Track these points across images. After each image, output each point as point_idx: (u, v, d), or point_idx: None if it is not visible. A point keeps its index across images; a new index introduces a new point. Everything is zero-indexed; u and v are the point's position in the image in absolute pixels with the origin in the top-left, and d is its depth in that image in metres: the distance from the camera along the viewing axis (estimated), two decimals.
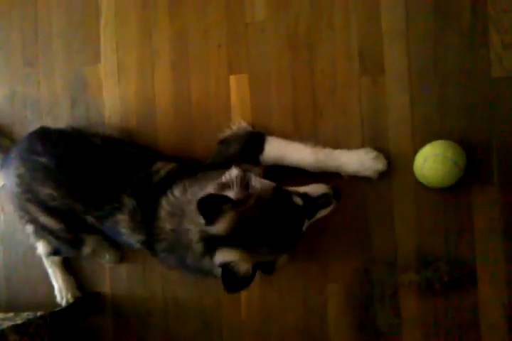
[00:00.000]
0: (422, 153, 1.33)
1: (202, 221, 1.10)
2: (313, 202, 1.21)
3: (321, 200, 1.22)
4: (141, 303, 1.70)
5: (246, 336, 1.59)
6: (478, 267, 1.37)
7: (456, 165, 1.28)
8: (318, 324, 1.52)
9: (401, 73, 1.42)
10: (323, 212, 1.24)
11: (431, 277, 1.41)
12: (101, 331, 1.75)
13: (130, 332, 1.72)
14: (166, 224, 1.28)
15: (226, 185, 1.16)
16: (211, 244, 1.14)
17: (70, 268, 1.78)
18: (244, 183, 1.17)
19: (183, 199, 1.27)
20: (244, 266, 1.09)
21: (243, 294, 1.58)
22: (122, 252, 1.71)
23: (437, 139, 1.34)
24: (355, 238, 1.47)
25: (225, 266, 1.09)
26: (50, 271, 1.76)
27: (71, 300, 1.72)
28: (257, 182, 1.20)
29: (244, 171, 1.23)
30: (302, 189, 1.23)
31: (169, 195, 1.30)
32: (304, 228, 1.22)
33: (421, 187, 1.38)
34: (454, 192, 1.36)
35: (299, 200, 1.19)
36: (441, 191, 1.37)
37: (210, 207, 1.09)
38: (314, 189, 1.23)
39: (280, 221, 1.14)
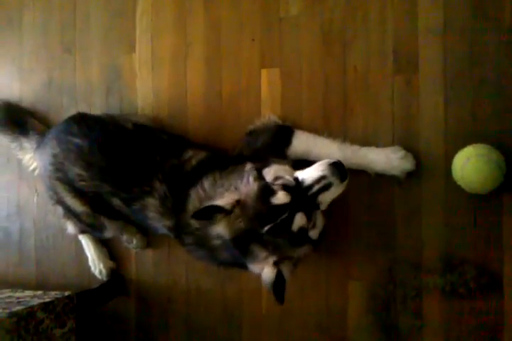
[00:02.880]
0: (464, 152, 1.28)
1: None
2: (304, 192, 1.15)
3: (319, 185, 1.15)
4: (165, 290, 1.74)
5: (265, 329, 1.61)
6: (505, 275, 1.34)
7: (500, 169, 1.23)
8: (338, 322, 1.52)
9: (436, 73, 1.40)
10: (327, 195, 1.17)
11: (456, 281, 1.39)
12: (124, 314, 1.80)
13: (152, 316, 1.76)
14: (193, 221, 1.31)
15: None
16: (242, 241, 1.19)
17: (102, 242, 1.83)
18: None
19: (211, 194, 1.30)
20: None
21: (264, 288, 1.58)
22: (149, 238, 1.74)
23: (470, 141, 1.32)
24: (381, 237, 1.46)
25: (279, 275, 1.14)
26: (83, 243, 1.82)
27: (104, 270, 1.77)
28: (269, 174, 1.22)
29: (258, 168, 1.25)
30: (300, 174, 1.19)
31: (199, 187, 1.33)
32: (318, 218, 1.21)
33: (452, 189, 1.36)
34: (485, 198, 1.33)
35: (282, 197, 1.14)
36: (471, 196, 1.34)
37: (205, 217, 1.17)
38: (309, 172, 1.18)
39: (273, 219, 1.14)
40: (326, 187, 1.15)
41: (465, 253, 1.38)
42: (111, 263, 1.80)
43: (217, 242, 1.25)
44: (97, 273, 1.79)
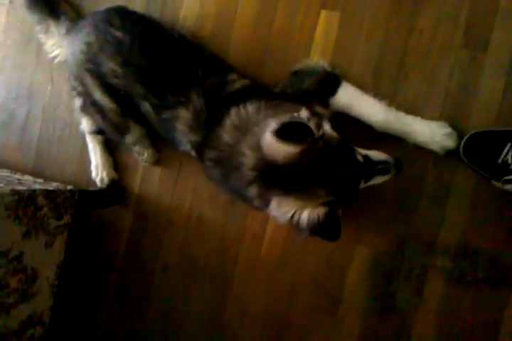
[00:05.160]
0: None
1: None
2: (372, 165, 1.20)
3: (381, 166, 1.22)
4: (165, 210, 1.73)
5: (259, 271, 1.62)
6: None
7: None
8: (335, 281, 1.53)
9: (503, 57, 1.35)
10: (379, 179, 1.23)
11: (466, 268, 1.41)
12: (119, 223, 1.78)
13: (147, 233, 1.76)
14: (226, 136, 1.27)
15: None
16: (265, 176, 1.16)
17: (110, 149, 1.78)
18: (318, 125, 1.16)
19: (253, 118, 1.25)
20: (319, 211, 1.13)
21: (269, 231, 1.60)
22: (161, 156, 1.71)
23: None
24: (401, 209, 1.46)
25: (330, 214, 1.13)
26: (90, 146, 1.77)
27: (105, 178, 1.74)
28: (328, 128, 1.19)
29: (316, 114, 1.21)
30: (363, 151, 1.22)
31: (241, 108, 1.28)
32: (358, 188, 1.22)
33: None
34: None
35: (360, 157, 1.19)
36: (503, 191, 1.33)
37: (293, 131, 1.09)
38: (376, 154, 1.23)
39: (339, 170, 1.14)
40: (385, 172, 1.22)
41: (482, 243, 1.39)
42: (114, 174, 1.76)
43: (243, 160, 1.20)
44: (98, 180, 1.75)
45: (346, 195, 1.18)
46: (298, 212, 1.14)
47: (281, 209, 1.16)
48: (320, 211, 1.12)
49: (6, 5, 1.93)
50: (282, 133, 1.08)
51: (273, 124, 1.10)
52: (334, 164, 1.14)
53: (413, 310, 1.46)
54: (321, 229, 1.13)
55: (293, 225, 1.15)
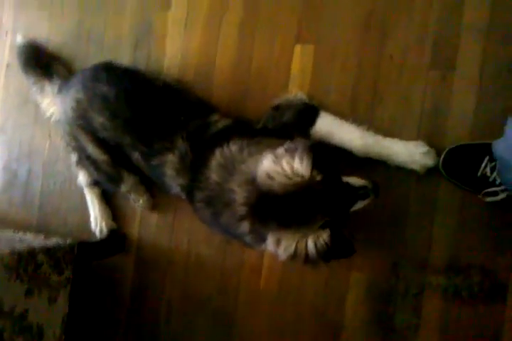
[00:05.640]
0: None
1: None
2: (354, 191, 1.19)
3: (361, 191, 1.20)
4: (165, 252, 1.75)
5: (260, 305, 1.62)
6: (511, 284, 1.35)
7: None
8: (335, 308, 1.52)
9: (472, 74, 1.38)
10: (360, 204, 1.22)
11: (460, 284, 1.40)
12: (121, 271, 1.82)
13: (149, 277, 1.78)
14: (213, 175, 1.29)
15: (284, 156, 1.13)
16: (258, 211, 1.14)
17: (107, 199, 1.84)
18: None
19: (238, 156, 1.27)
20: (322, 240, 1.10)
21: (266, 264, 1.61)
22: (156, 200, 1.75)
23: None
24: (390, 230, 1.46)
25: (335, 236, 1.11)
26: (88, 198, 1.83)
27: (104, 229, 1.79)
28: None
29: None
30: (344, 178, 1.21)
31: (225, 148, 1.31)
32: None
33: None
34: (502, 205, 1.33)
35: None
36: (488, 203, 1.33)
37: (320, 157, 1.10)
38: (355, 180, 1.22)
39: (336, 197, 1.13)
40: (365, 196, 1.21)
41: (473, 257, 1.38)
42: (113, 224, 1.81)
43: (233, 197, 1.20)
44: (97, 231, 1.80)
45: (341, 214, 1.16)
46: (301, 244, 1.10)
47: (281, 245, 1.12)
48: (323, 235, 1.09)
49: (4, 69, 2.06)
50: (315, 157, 1.09)
51: (270, 156, 1.13)
52: (331, 192, 1.12)
53: (414, 330, 1.44)
54: (333, 252, 1.10)
55: (299, 258, 1.11)
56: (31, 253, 1.43)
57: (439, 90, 1.42)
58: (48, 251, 1.49)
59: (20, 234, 1.70)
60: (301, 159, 1.09)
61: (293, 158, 1.10)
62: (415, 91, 1.44)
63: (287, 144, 1.17)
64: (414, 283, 1.44)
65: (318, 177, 1.09)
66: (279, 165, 1.11)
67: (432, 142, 1.39)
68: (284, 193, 1.10)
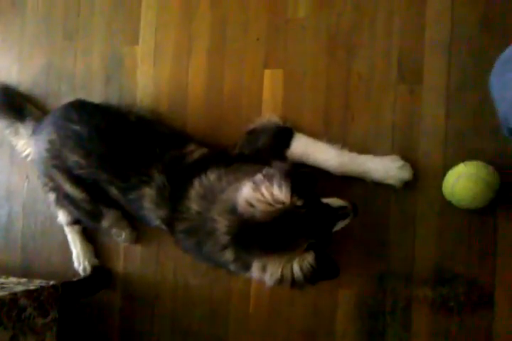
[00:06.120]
0: (455, 171, 1.31)
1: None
2: (334, 212, 1.21)
3: (341, 212, 1.22)
4: (152, 285, 1.73)
5: (251, 329, 1.60)
6: (496, 291, 1.35)
7: (489, 187, 1.26)
8: (325, 328, 1.51)
9: (439, 85, 1.41)
10: (341, 224, 1.24)
11: (447, 294, 1.39)
12: (108, 307, 1.78)
13: (137, 311, 1.76)
14: (194, 206, 1.29)
15: (263, 182, 1.14)
16: (240, 239, 1.15)
17: (88, 237, 1.82)
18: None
19: (216, 186, 1.28)
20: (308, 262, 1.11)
21: (253, 288, 1.59)
22: (139, 233, 1.73)
23: (468, 155, 1.34)
24: (373, 245, 1.46)
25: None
26: (69, 237, 1.80)
27: (88, 267, 1.76)
28: None
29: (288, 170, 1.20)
30: (324, 200, 1.22)
31: (203, 177, 1.31)
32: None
33: (447, 202, 1.35)
34: (480, 213, 1.34)
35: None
36: (466, 211, 1.35)
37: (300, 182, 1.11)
38: (334, 201, 1.24)
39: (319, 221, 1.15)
40: (345, 216, 1.23)
41: (457, 267, 1.38)
42: (96, 261, 1.78)
43: (215, 226, 1.20)
44: (80, 269, 1.77)
45: (324, 235, 1.17)
46: (286, 268, 1.11)
47: (267, 271, 1.13)
48: (308, 257, 1.10)
49: None
50: (293, 182, 1.09)
51: (249, 183, 1.13)
52: (312, 215, 1.12)
53: None
54: (319, 274, 1.11)
55: (286, 282, 1.12)
56: (13, 299, 1.40)
57: (408, 104, 1.44)
58: (30, 294, 1.46)
59: (2, 279, 1.66)
60: (280, 185, 1.10)
61: (272, 184, 1.11)
62: (386, 107, 1.46)
63: (265, 170, 1.18)
64: (401, 297, 1.43)
65: (299, 203, 1.10)
66: (259, 192, 1.12)
67: (407, 155, 1.40)
68: (266, 220, 1.11)
